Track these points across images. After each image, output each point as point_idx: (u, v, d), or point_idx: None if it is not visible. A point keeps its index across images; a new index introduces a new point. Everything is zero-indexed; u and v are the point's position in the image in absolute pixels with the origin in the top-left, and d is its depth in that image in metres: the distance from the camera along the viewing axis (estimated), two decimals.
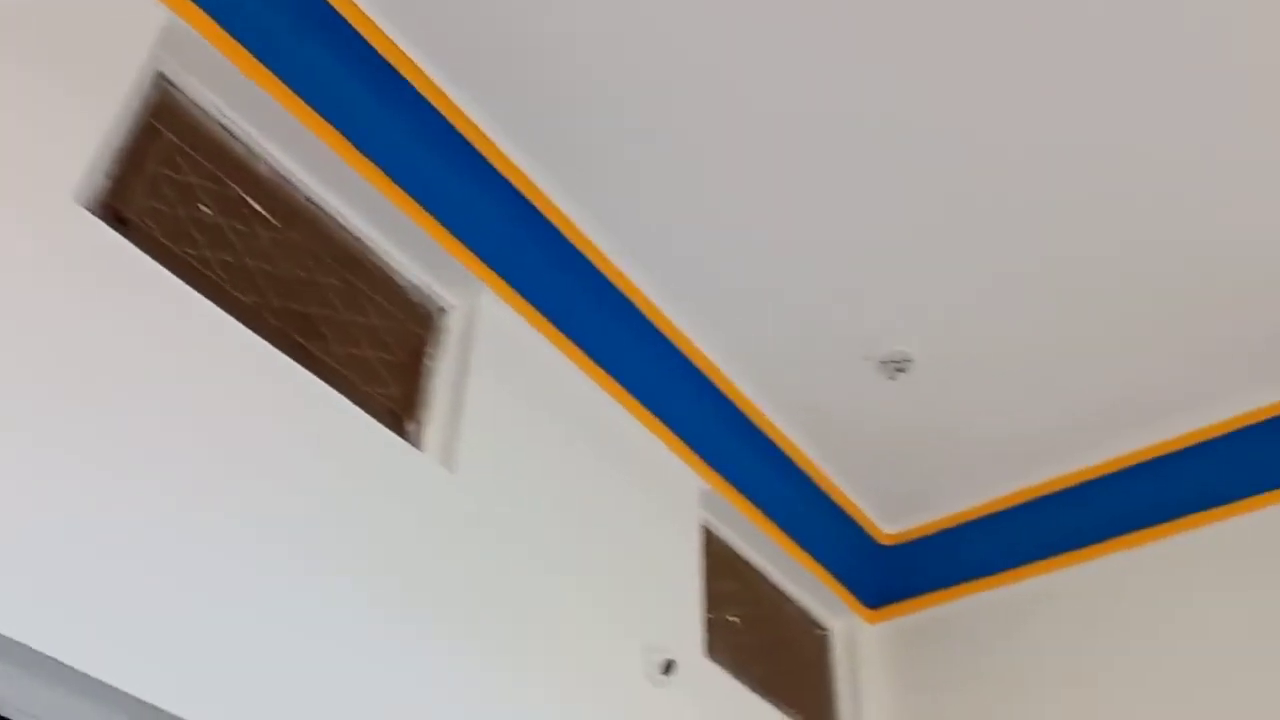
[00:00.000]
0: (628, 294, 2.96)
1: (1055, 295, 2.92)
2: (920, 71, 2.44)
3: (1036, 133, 2.54)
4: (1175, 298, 2.89)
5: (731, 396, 3.25)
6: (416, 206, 2.53)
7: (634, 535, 2.84)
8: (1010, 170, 2.62)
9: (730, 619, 3.26)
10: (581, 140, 2.65)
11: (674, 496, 3.10)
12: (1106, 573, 3.30)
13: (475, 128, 2.61)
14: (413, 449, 2.30)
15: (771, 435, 3.36)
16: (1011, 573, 3.50)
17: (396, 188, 2.50)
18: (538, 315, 2.80)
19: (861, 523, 3.69)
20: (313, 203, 2.47)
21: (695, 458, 3.19)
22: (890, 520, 3.76)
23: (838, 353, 3.13)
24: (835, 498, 3.58)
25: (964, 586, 3.60)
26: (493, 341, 2.63)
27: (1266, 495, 3.10)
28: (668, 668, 2.68)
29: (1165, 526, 3.25)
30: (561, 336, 2.85)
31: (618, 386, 3.00)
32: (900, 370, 3.16)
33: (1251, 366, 3.06)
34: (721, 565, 3.34)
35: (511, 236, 2.73)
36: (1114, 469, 3.35)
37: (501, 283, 2.71)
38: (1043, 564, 3.44)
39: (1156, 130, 2.51)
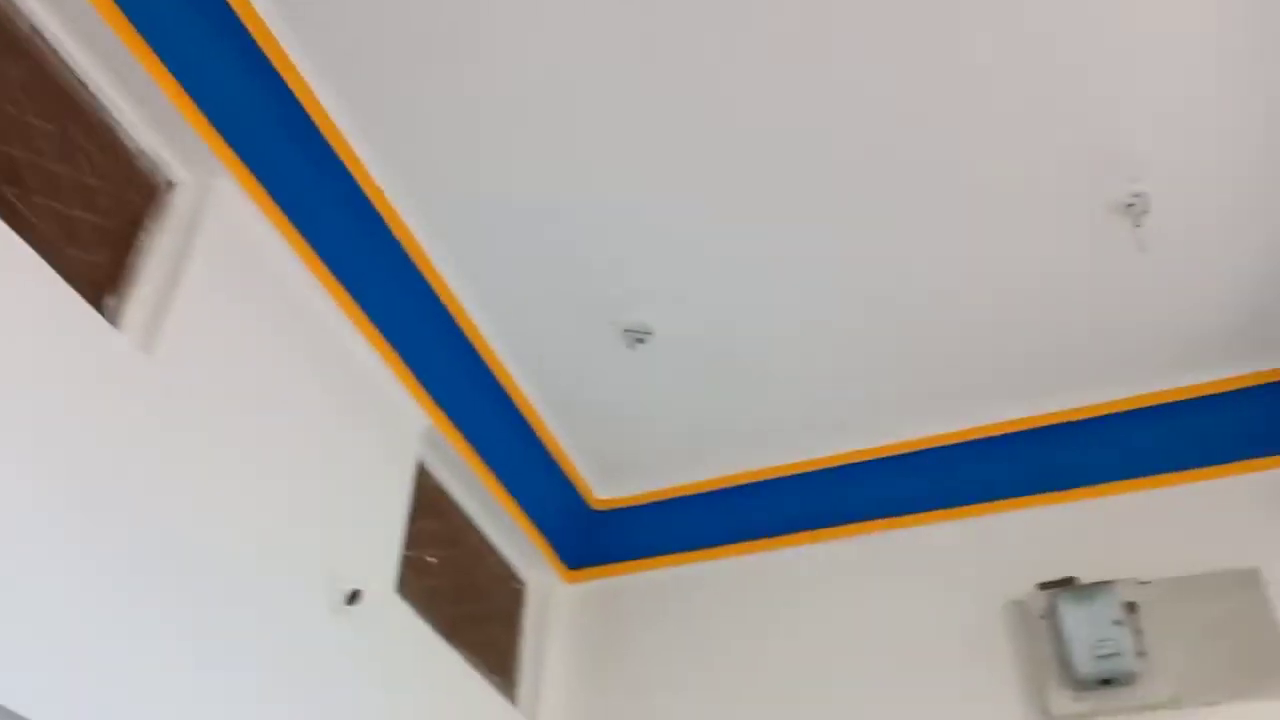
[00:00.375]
0: (381, 210, 2.83)
1: (795, 298, 3.06)
2: (683, 57, 2.49)
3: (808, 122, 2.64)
4: (898, 323, 3.11)
5: (470, 337, 3.20)
6: (160, 65, 2.30)
7: (342, 459, 2.73)
8: (766, 165, 2.71)
9: (429, 559, 3.21)
10: (360, 37, 2.50)
11: (393, 427, 3.01)
12: (790, 563, 3.51)
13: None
14: (107, 325, 2.10)
15: (504, 382, 3.33)
16: (707, 551, 3.65)
17: (140, 39, 2.25)
18: (277, 211, 2.61)
19: (576, 483, 3.73)
20: (38, 34, 2.19)
21: (423, 392, 3.11)
22: (605, 485, 3.83)
23: (583, 313, 3.14)
24: (555, 455, 3.61)
25: (662, 559, 3.72)
26: (221, 228, 2.44)
27: (950, 510, 3.42)
28: (352, 598, 2.61)
29: (857, 526, 3.50)
30: (300, 239, 2.68)
31: (354, 305, 2.86)
32: (641, 341, 3.20)
33: (963, 392, 3.35)
34: (430, 503, 3.29)
35: (263, 121, 2.54)
36: (816, 467, 3.57)
37: (243, 168, 2.51)
38: (737, 547, 3.61)
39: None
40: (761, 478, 3.62)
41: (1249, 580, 2.99)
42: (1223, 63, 2.42)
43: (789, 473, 3.60)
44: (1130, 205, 2.67)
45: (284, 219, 2.64)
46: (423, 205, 2.87)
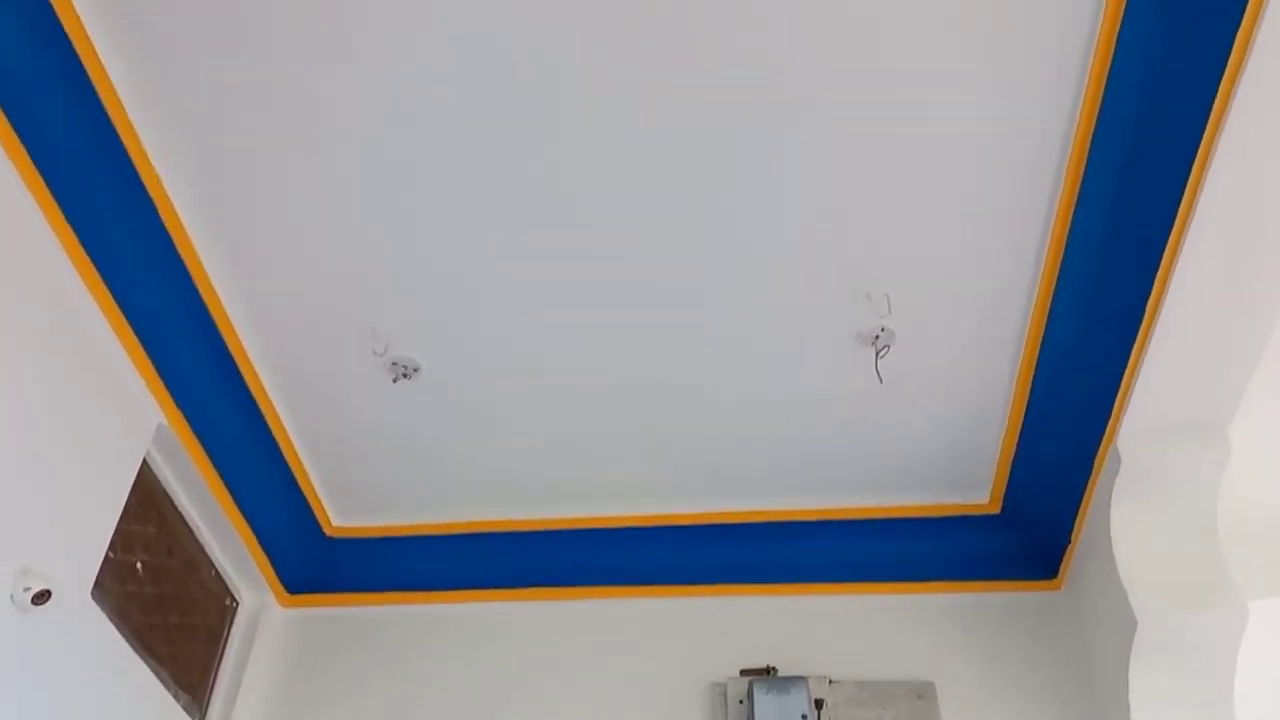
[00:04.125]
0: (148, 185, 2.64)
1: (566, 369, 3.13)
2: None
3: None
4: (659, 408, 3.23)
5: (228, 341, 3.05)
6: None
7: (58, 446, 2.57)
8: (548, 228, 2.76)
9: (136, 564, 3.03)
10: (163, 31, 2.37)
11: (121, 420, 2.85)
12: (515, 618, 3.55)
13: None
14: None
15: (254, 392, 3.20)
16: (433, 594, 3.64)
17: None
18: (30, 168, 2.45)
19: (313, 506, 3.63)
20: None
21: (161, 387, 2.96)
22: (344, 513, 3.74)
23: (351, 339, 3.07)
24: (296, 473, 3.49)
25: (387, 595, 3.68)
26: None
27: (674, 587, 3.56)
28: (39, 598, 2.44)
29: (583, 590, 3.58)
30: (53, 205, 2.52)
31: (100, 283, 2.71)
32: (406, 376, 3.18)
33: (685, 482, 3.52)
34: (150, 506, 3.12)
35: (32, 68, 2.36)
36: (555, 528, 3.63)
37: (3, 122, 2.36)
38: (463, 594, 3.62)
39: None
40: (500, 530, 3.64)
41: (926, 692, 3.26)
42: (967, 227, 2.69)
43: (529, 529, 3.64)
44: (876, 338, 2.91)
45: (36, 176, 2.48)
46: (195, 195, 2.72)
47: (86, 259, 2.67)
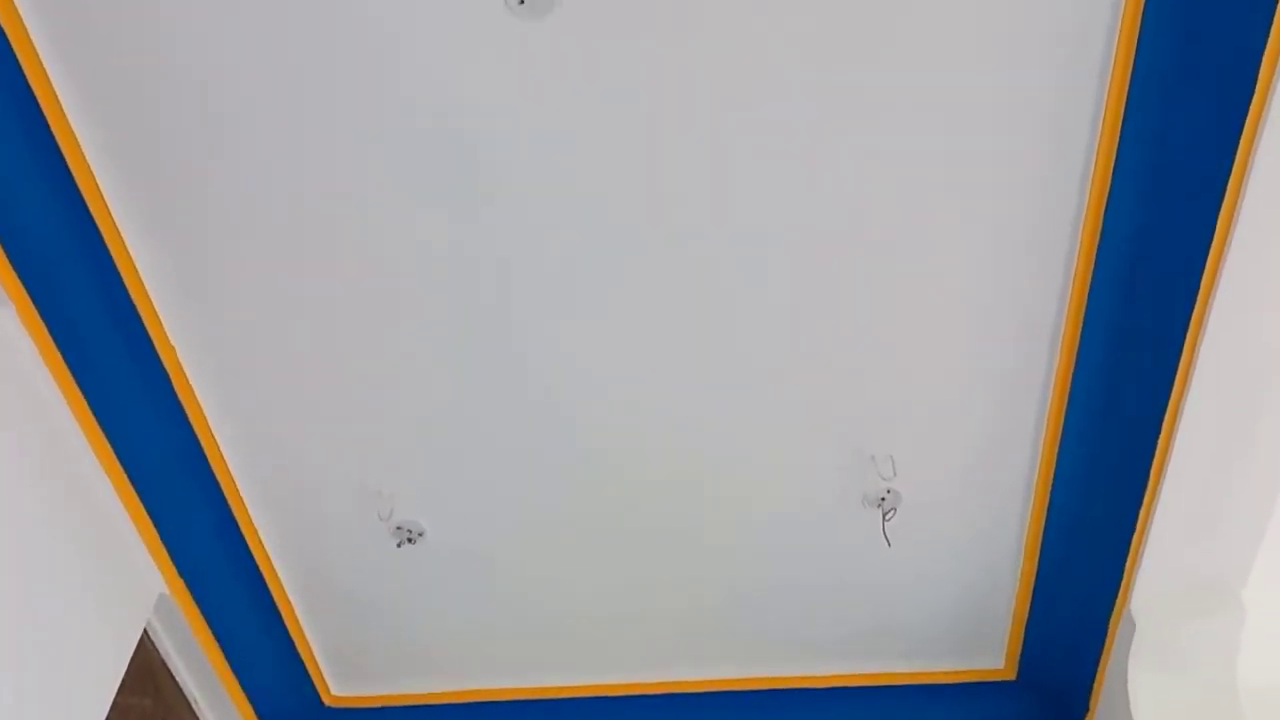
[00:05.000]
0: (163, 356, 2.68)
1: (567, 537, 3.13)
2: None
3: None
4: (657, 579, 3.22)
5: (231, 502, 3.03)
6: None
7: (54, 615, 2.54)
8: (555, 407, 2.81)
9: None
10: (178, 201, 2.43)
11: (123, 591, 2.81)
12: None
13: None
14: None
15: (260, 562, 3.18)
16: None
17: None
18: (44, 332, 2.50)
19: (313, 676, 3.55)
20: None
21: (164, 554, 2.93)
22: (344, 682, 3.66)
23: (356, 504, 3.07)
24: (297, 644, 3.43)
25: None
26: None
27: None
28: None
29: None
30: (62, 365, 2.55)
31: (111, 457, 2.73)
32: (411, 541, 3.16)
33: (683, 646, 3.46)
34: (148, 678, 3.05)
35: (48, 236, 2.41)
36: (559, 695, 3.55)
37: (22, 293, 2.42)
38: None
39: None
40: (505, 699, 3.56)
41: None
42: (969, 393, 2.72)
43: (532, 696, 3.55)
44: (882, 501, 2.91)
45: (50, 344, 2.51)
46: (205, 363, 2.75)
47: (94, 420, 2.68)
